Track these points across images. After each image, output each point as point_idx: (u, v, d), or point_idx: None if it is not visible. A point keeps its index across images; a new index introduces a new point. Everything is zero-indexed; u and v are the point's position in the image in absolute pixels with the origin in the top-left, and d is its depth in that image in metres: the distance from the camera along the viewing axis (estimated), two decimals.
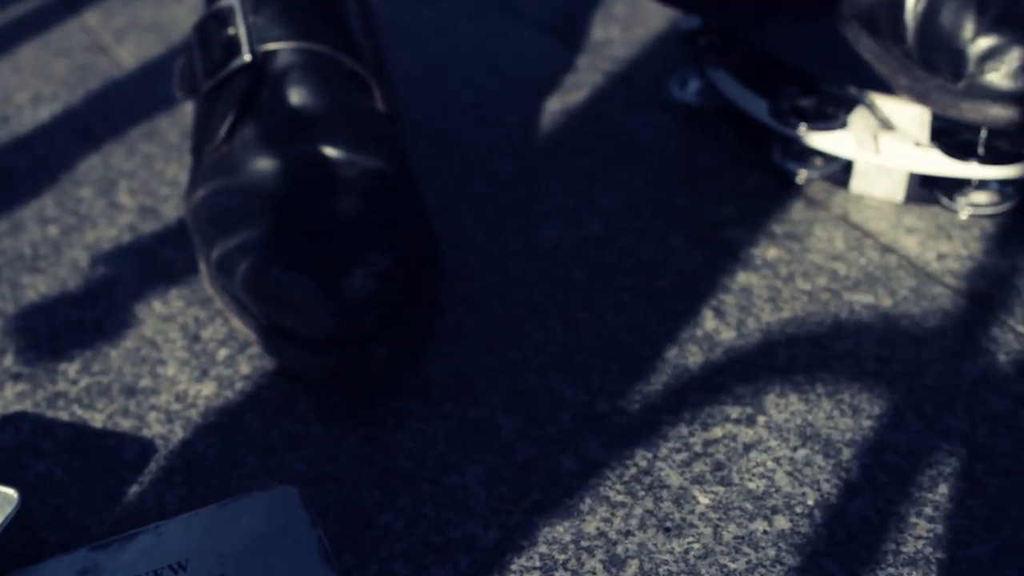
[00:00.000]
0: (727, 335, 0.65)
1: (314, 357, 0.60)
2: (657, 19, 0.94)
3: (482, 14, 0.97)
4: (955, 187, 0.72)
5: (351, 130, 0.68)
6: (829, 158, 0.74)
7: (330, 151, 0.67)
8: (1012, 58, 0.66)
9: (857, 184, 0.74)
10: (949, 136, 0.70)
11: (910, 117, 0.71)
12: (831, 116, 0.72)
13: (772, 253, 0.70)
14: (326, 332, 0.59)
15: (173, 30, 0.98)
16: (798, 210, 0.73)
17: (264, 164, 0.67)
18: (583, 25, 0.94)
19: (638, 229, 0.73)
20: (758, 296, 0.67)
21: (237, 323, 0.66)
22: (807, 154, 0.75)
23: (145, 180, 0.80)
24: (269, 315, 0.62)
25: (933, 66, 0.68)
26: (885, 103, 0.72)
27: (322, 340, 0.60)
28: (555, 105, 0.85)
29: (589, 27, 0.94)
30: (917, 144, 0.71)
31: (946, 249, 0.70)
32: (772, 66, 0.75)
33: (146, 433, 0.61)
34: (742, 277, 0.69)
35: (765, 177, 0.76)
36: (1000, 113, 0.67)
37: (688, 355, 0.64)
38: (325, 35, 0.70)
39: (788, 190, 0.75)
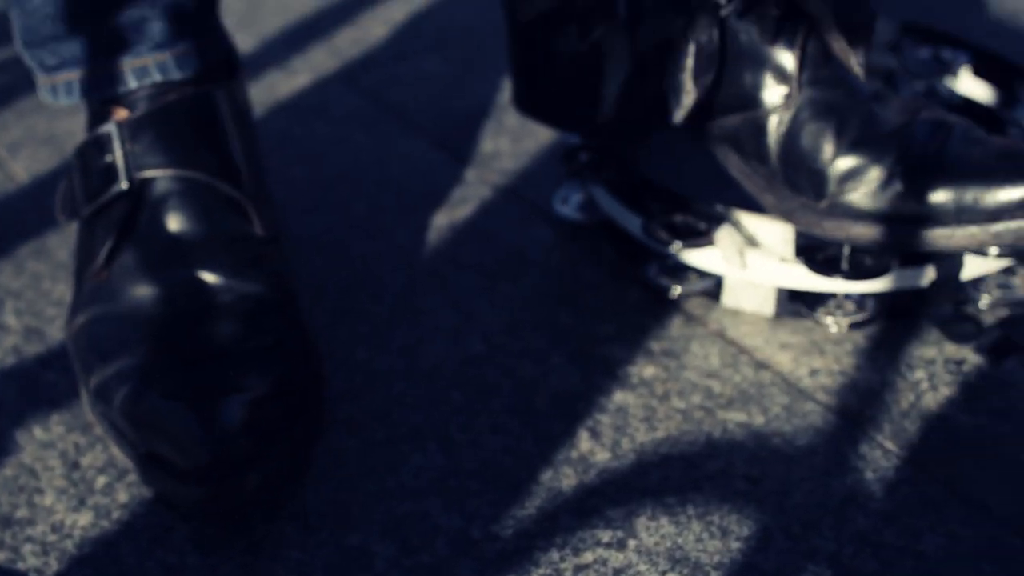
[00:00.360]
0: (601, 456, 0.66)
1: (187, 487, 0.60)
2: (546, 131, 0.95)
3: (376, 125, 0.98)
4: (818, 301, 0.74)
5: (228, 255, 0.68)
6: (704, 273, 0.76)
7: (207, 277, 0.68)
8: (871, 178, 0.68)
9: (727, 298, 0.75)
10: (814, 252, 0.72)
11: (775, 233, 0.73)
12: (700, 232, 0.73)
13: (649, 371, 0.71)
14: (197, 462, 0.60)
15: (68, 143, 0.98)
16: (676, 326, 0.75)
17: (142, 290, 0.68)
18: (474, 136, 0.95)
19: (519, 347, 0.73)
20: (633, 415, 0.68)
21: (117, 450, 0.66)
22: (681, 270, 0.76)
23: (32, 300, 0.80)
24: (146, 443, 0.62)
25: (796, 186, 0.70)
26: (751, 220, 0.73)
27: (194, 470, 0.60)
28: (444, 219, 0.86)
29: (479, 139, 0.95)
30: (782, 260, 0.72)
31: (819, 364, 0.71)
32: (646, 183, 0.77)
33: (20, 566, 0.61)
34: (619, 396, 0.70)
35: (644, 292, 0.77)
36: (861, 232, 0.69)
37: (563, 477, 0.65)
38: (202, 161, 0.70)
39: (666, 306, 0.76)
